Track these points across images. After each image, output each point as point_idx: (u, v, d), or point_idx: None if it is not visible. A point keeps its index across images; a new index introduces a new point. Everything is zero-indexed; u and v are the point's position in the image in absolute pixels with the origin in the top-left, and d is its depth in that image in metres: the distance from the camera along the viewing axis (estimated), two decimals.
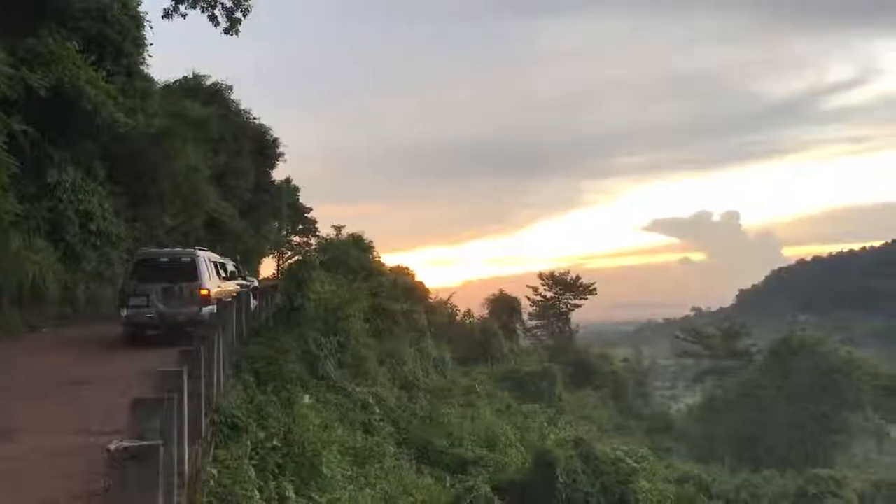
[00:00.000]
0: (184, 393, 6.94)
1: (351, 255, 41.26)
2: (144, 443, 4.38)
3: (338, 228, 48.90)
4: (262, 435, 9.87)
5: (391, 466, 15.42)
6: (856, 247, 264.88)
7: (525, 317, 67.74)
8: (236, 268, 32.48)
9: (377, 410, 19.27)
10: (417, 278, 50.45)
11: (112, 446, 4.20)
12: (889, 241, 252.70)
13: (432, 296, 50.15)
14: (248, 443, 8.62)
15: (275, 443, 9.49)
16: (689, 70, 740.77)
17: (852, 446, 63.07)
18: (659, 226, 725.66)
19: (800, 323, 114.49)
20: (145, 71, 35.84)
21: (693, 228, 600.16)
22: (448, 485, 16.65)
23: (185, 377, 7.26)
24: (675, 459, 44.08)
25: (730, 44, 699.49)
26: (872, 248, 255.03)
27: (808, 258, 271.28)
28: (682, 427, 60.47)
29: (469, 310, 53.32)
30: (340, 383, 18.96)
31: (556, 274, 71.55)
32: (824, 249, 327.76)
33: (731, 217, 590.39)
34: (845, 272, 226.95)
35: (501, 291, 62.53)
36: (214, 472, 6.97)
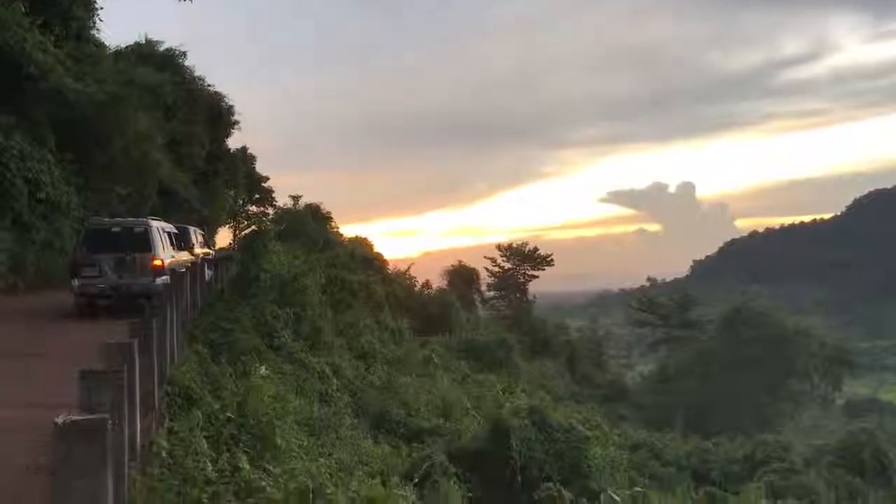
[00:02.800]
0: (135, 365, 6.87)
1: (308, 225, 41.00)
2: (92, 416, 4.32)
3: (295, 198, 48.39)
4: (216, 406, 9.82)
5: (347, 436, 15.50)
6: (806, 219, 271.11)
7: (483, 287, 68.17)
8: (203, 237, 32.20)
9: (334, 381, 19.27)
10: (375, 249, 50.46)
11: (59, 420, 4.14)
12: (838, 213, 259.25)
13: (390, 267, 50.18)
14: (201, 414, 8.57)
15: (228, 414, 9.46)
16: (644, 43, 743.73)
17: (800, 413, 64.91)
18: (616, 197, 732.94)
19: (751, 293, 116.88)
20: (95, 36, 35.00)
21: (649, 200, 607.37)
22: (404, 453, 16.80)
23: (136, 349, 7.17)
24: (628, 427, 44.90)
25: (685, 17, 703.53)
26: (822, 220, 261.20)
27: (761, 230, 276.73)
28: (635, 395, 61.53)
29: (427, 281, 53.51)
30: (297, 354, 18.90)
31: (515, 245, 72.01)
32: (776, 221, 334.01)
33: (687, 189, 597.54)
34: (796, 244, 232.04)
35: (460, 262, 62.83)
36: (166, 444, 6.93)
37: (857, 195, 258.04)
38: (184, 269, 20.14)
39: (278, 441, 9.84)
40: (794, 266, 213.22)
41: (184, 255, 23.40)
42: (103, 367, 6.28)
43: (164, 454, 6.73)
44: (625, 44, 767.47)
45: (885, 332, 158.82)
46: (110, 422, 4.46)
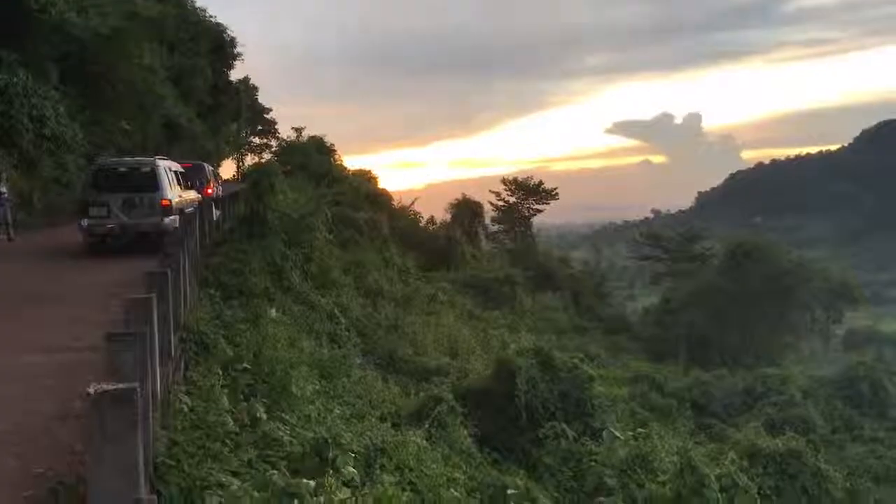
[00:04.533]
0: (154, 321, 7.03)
1: (313, 158, 40.87)
2: (122, 385, 4.50)
3: (298, 130, 48.29)
4: (231, 353, 10.04)
5: (358, 378, 15.85)
6: (813, 150, 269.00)
7: (488, 221, 68.12)
8: (214, 174, 32.37)
9: (343, 321, 19.57)
10: (380, 183, 50.35)
11: (91, 390, 4.32)
12: (845, 144, 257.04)
13: (395, 201, 50.13)
14: (219, 370, 8.79)
15: (245, 365, 9.69)
16: None
17: (800, 346, 65.54)
18: (621, 128, 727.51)
19: (756, 226, 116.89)
20: None
21: (655, 131, 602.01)
22: (413, 393, 17.19)
23: (155, 304, 7.32)
24: (630, 359, 45.49)
25: None
26: (829, 151, 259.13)
27: (767, 161, 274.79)
28: (638, 327, 62.03)
29: (432, 217, 53.46)
30: (306, 294, 19.17)
31: (519, 179, 71.66)
32: (782, 153, 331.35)
33: (693, 120, 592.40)
34: (802, 176, 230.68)
35: (464, 196, 62.61)
36: (188, 400, 7.16)
37: (866, 126, 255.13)
38: (192, 209, 20.29)
39: (294, 390, 10.10)
40: (799, 198, 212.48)
41: (191, 194, 23.50)
42: (124, 324, 6.45)
43: (185, 408, 6.95)
44: None
45: (889, 265, 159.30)
46: (139, 387, 4.65)
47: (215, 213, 22.48)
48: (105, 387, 4.39)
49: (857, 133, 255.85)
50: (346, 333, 19.06)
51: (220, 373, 8.79)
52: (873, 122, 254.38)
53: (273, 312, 14.05)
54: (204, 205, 21.05)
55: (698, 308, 59.38)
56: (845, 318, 74.92)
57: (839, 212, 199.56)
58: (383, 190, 49.31)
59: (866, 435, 38.13)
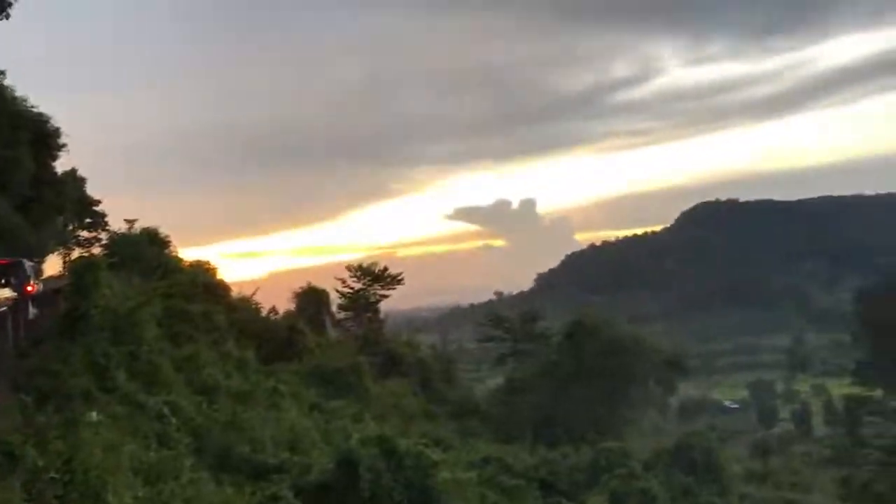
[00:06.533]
0: None
1: (145, 251, 39.43)
2: None
3: (130, 222, 46.38)
4: (40, 463, 9.22)
5: (188, 480, 14.91)
6: (640, 231, 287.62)
7: (334, 308, 67.63)
8: (34, 270, 30.27)
9: (173, 421, 18.51)
10: (219, 274, 48.98)
11: None
12: (668, 224, 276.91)
13: (235, 291, 48.86)
14: (18, 483, 8.02)
15: (53, 474, 8.90)
16: (485, 64, 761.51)
17: (640, 417, 68.19)
18: (462, 214, 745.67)
19: (592, 304, 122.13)
20: None
21: (493, 216, 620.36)
22: (248, 493, 16.35)
23: None
24: (480, 442, 45.67)
25: (524, 40, 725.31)
26: (654, 232, 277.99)
27: (599, 243, 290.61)
28: (485, 409, 62.55)
29: (274, 306, 52.47)
30: (132, 394, 18.05)
31: (364, 265, 71.93)
32: (613, 234, 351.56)
33: (528, 205, 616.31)
34: (632, 255, 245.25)
35: (309, 284, 62.08)
36: None
37: (685, 208, 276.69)
38: (4, 309, 18.84)
39: (110, 499, 9.35)
40: (630, 276, 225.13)
41: (5, 293, 21.86)
42: None
43: None
44: (468, 65, 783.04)
45: (715, 335, 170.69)
46: None
47: (33, 311, 21.01)
48: None
49: (677, 215, 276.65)
50: (177, 434, 18.02)
51: (20, 486, 8.01)
52: (691, 205, 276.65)
53: (93, 415, 13.11)
54: (20, 303, 19.64)
55: (542, 387, 60.79)
56: (679, 389, 79.09)
57: (667, 287, 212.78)
58: (221, 281, 47.92)
59: (703, 501, 39.97)
